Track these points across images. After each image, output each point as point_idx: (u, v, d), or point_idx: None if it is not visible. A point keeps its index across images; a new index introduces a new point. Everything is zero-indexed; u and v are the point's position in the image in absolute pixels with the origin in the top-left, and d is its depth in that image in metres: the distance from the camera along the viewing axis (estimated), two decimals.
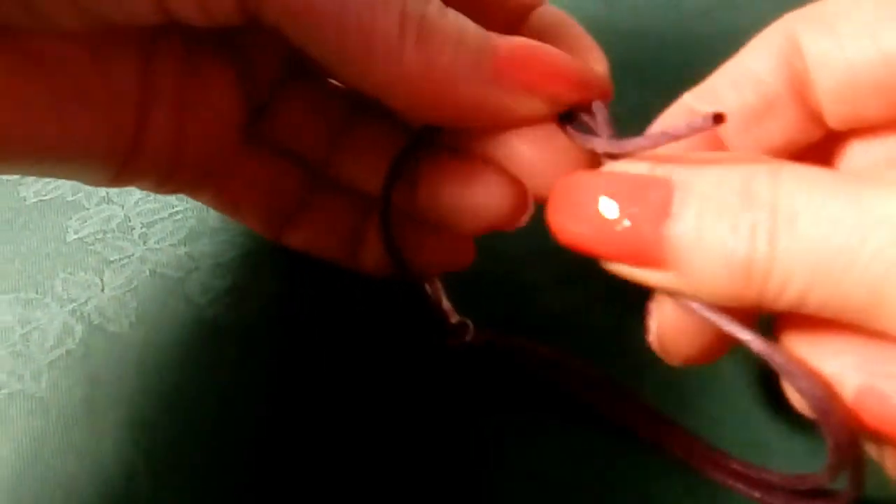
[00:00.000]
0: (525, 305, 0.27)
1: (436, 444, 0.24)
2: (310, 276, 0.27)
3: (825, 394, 0.17)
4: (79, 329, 0.26)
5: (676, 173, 0.17)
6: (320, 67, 0.20)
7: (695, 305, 0.18)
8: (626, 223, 0.17)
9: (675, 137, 0.17)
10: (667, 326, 0.20)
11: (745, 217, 0.16)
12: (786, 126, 0.20)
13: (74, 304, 0.27)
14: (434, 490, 0.23)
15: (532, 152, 0.21)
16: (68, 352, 0.26)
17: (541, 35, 0.22)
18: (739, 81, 0.20)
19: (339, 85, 0.25)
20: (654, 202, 0.17)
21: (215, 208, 0.26)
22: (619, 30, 0.33)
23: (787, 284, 0.16)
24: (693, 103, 0.20)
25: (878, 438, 0.17)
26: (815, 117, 0.20)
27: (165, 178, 0.23)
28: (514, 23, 0.23)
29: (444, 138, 0.23)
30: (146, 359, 0.26)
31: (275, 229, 0.26)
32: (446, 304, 0.24)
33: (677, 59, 0.32)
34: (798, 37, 0.19)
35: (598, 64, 0.23)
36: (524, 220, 0.23)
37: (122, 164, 0.22)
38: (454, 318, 0.24)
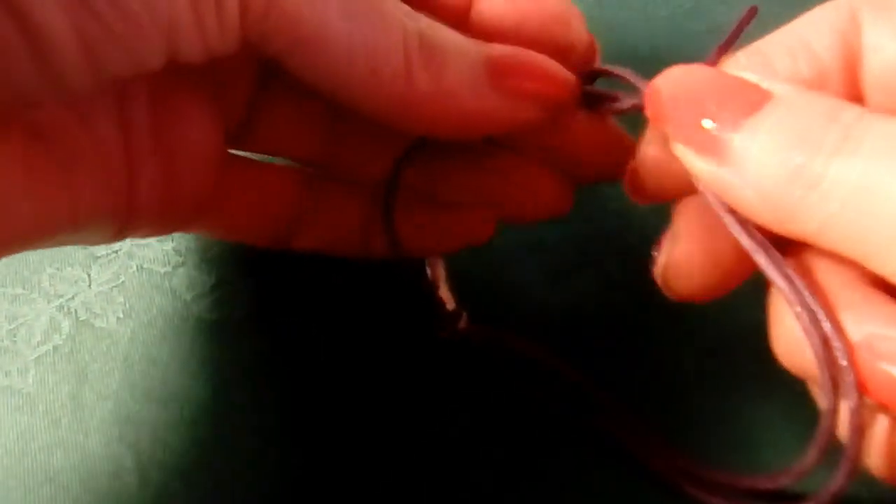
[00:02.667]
0: (515, 300, 0.27)
1: (424, 435, 0.24)
2: (296, 271, 0.27)
3: (834, 334, 0.17)
4: (66, 324, 0.26)
5: (779, 88, 0.18)
6: (319, 93, 0.20)
7: (726, 217, 0.18)
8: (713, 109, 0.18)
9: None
10: (678, 256, 0.20)
11: (816, 134, 0.16)
12: None
13: (61, 300, 0.27)
14: (416, 483, 0.23)
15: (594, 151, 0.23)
16: (55, 347, 0.26)
17: (500, 18, 0.22)
18: (795, 50, 0.19)
19: None
20: (748, 100, 0.17)
21: (218, 237, 0.26)
22: (610, 24, 0.33)
23: (821, 206, 0.16)
24: (746, 65, 0.20)
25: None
26: (857, 101, 0.19)
27: (163, 221, 0.23)
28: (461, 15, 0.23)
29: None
30: (133, 354, 0.26)
31: (282, 239, 0.25)
32: (444, 291, 0.24)
33: (668, 54, 0.32)
34: (861, 18, 0.19)
35: (575, 21, 0.23)
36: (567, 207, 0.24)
37: (123, 221, 0.21)
38: (451, 306, 0.24)
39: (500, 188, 0.24)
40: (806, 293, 0.17)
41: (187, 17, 0.17)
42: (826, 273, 0.18)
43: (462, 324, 0.24)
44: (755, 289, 0.25)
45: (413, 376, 0.25)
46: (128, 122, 0.21)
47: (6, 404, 0.25)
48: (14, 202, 0.18)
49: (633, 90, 0.21)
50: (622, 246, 0.27)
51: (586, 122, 0.23)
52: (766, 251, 0.18)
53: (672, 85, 0.19)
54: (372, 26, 0.19)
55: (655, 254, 0.21)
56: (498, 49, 0.21)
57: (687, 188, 0.19)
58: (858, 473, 0.18)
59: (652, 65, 0.32)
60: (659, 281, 0.21)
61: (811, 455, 0.18)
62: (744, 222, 0.18)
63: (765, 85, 0.18)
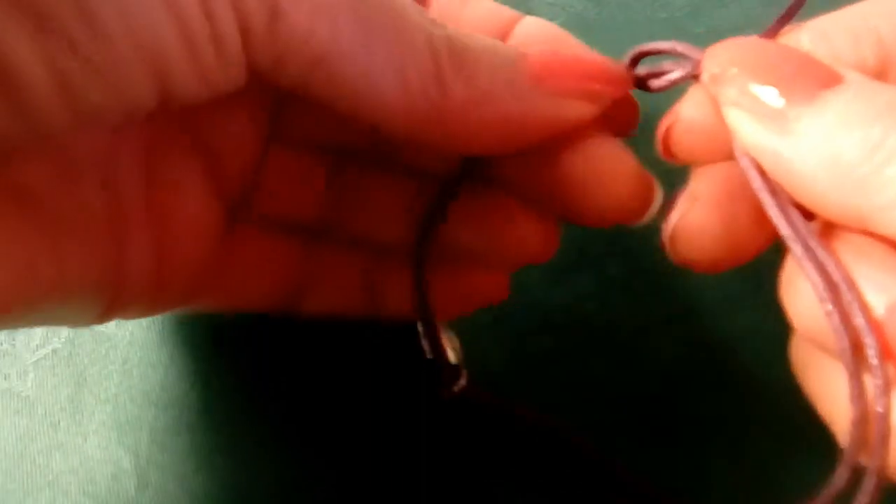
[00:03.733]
0: (515, 300, 0.27)
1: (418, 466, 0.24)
2: None
3: (856, 305, 0.17)
4: (65, 328, 0.26)
5: (849, 74, 0.17)
6: (349, 119, 0.18)
7: (758, 184, 0.18)
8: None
9: None
10: (692, 218, 0.19)
11: (875, 130, 0.16)
12: None
13: None
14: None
15: (592, 165, 0.20)
16: (54, 351, 0.26)
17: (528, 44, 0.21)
18: (860, 35, 0.19)
19: (323, 140, 0.23)
20: (820, 77, 0.17)
21: (218, 310, 0.24)
22: (608, 27, 0.33)
23: (871, 197, 0.16)
24: (809, 46, 0.19)
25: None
26: None
27: (155, 297, 0.21)
28: (501, 37, 0.22)
29: (488, 170, 0.21)
30: (132, 357, 0.26)
31: (286, 306, 0.23)
32: (446, 348, 0.23)
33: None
34: None
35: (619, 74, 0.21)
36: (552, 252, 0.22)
37: (112, 296, 0.20)
38: (453, 361, 0.23)
39: (492, 238, 0.22)
40: (830, 263, 0.17)
41: (176, 45, 0.15)
42: (855, 255, 0.17)
43: (462, 382, 0.22)
44: (754, 290, 0.26)
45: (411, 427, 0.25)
46: (118, 186, 0.19)
47: (5, 407, 0.25)
48: None
49: (684, 62, 0.20)
50: (622, 247, 0.27)
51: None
52: (794, 221, 0.18)
53: (738, 51, 0.18)
54: (394, 36, 0.17)
55: (667, 214, 0.20)
56: (535, 47, 0.19)
57: (720, 155, 0.19)
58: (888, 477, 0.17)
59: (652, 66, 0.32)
60: (666, 242, 0.20)
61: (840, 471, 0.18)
62: (777, 193, 0.18)
63: (836, 68, 0.18)
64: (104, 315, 0.20)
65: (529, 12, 0.22)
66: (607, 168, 0.20)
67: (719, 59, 0.18)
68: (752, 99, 0.18)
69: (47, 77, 0.14)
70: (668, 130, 0.20)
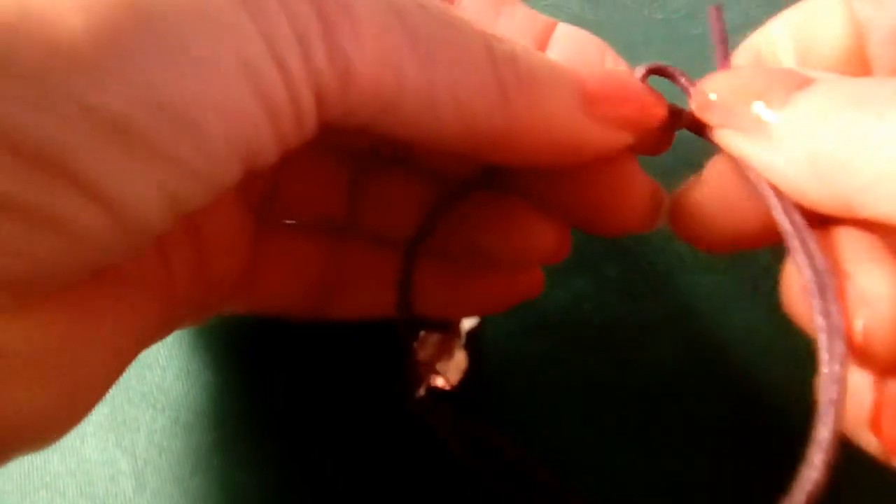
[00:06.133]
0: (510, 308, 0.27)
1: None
2: None
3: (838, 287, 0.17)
4: None
5: (819, 74, 0.18)
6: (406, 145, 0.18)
7: (756, 178, 0.19)
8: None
9: None
10: (699, 194, 0.20)
11: (865, 96, 0.17)
12: None
13: None
14: None
15: (611, 183, 0.20)
16: None
17: (566, 55, 0.21)
18: (804, 46, 0.20)
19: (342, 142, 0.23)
20: (793, 81, 0.18)
21: (250, 313, 0.24)
22: (605, 29, 0.33)
23: (871, 162, 0.16)
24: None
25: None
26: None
27: (199, 310, 0.21)
28: (539, 47, 0.22)
29: (506, 178, 0.21)
30: None
31: (317, 309, 0.23)
32: (448, 365, 0.23)
33: (665, 56, 0.32)
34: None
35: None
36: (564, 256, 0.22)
37: (168, 320, 0.20)
38: (436, 382, 0.22)
39: (505, 240, 0.22)
40: (818, 257, 0.17)
41: (265, 128, 0.15)
42: (849, 248, 0.18)
43: (421, 393, 0.21)
44: (752, 292, 0.26)
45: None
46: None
47: None
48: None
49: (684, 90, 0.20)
50: (619, 248, 0.27)
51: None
52: (792, 216, 0.18)
53: (715, 81, 0.19)
54: (456, 62, 0.16)
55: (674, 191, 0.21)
56: (588, 71, 0.19)
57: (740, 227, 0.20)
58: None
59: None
60: (668, 215, 0.20)
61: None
62: (779, 194, 0.18)
63: (806, 72, 0.18)
64: (157, 339, 0.20)
65: None
66: (625, 187, 0.20)
67: (700, 92, 0.19)
68: (734, 116, 0.19)
69: (158, 202, 0.14)
70: (679, 213, 0.20)
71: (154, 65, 0.13)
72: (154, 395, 0.25)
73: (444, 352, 0.23)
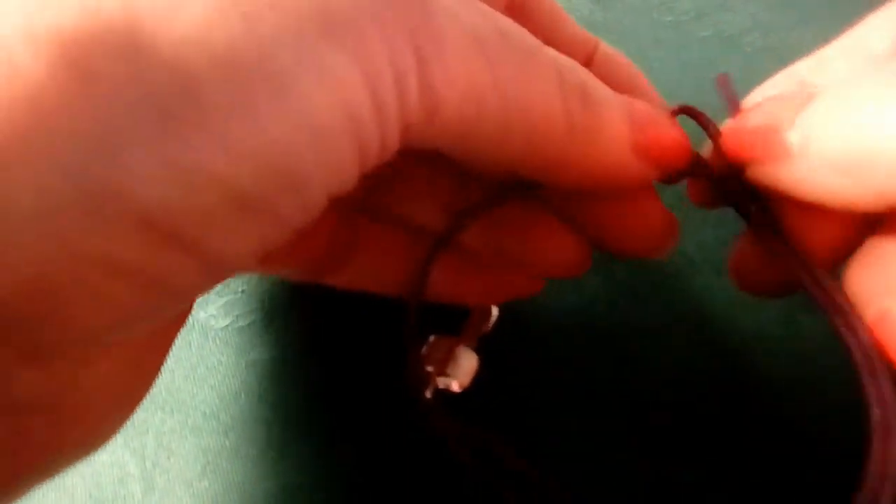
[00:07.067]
0: (523, 307, 0.27)
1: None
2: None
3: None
4: None
5: (821, 87, 0.18)
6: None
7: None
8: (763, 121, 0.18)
9: None
10: (742, 255, 0.21)
11: (861, 111, 0.16)
12: None
13: None
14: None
15: (630, 212, 0.21)
16: None
17: (606, 78, 0.22)
18: (852, 53, 0.20)
19: None
20: (799, 100, 0.18)
21: (251, 270, 0.24)
22: (614, 31, 0.33)
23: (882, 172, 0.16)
24: (805, 73, 0.21)
25: None
26: None
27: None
28: (586, 61, 0.22)
29: (537, 191, 0.21)
30: None
31: (315, 274, 0.23)
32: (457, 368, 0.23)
33: (674, 58, 0.32)
34: None
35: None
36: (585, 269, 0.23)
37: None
38: (439, 385, 0.22)
39: (532, 250, 0.23)
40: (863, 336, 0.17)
41: (354, 164, 0.15)
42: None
43: (427, 396, 0.21)
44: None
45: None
46: None
47: None
48: None
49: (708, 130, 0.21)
50: None
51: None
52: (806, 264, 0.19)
53: (729, 135, 0.20)
54: (530, 94, 0.17)
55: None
56: (638, 103, 0.19)
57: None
58: None
59: (658, 69, 0.32)
60: (729, 270, 0.21)
61: None
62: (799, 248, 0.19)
63: (807, 89, 0.18)
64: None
65: None
66: (642, 216, 0.21)
67: (721, 148, 0.20)
68: (758, 151, 0.19)
69: (253, 253, 0.14)
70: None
71: (274, 127, 0.13)
72: (163, 398, 0.25)
73: (454, 356, 0.23)
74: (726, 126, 0.20)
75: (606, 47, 0.23)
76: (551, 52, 0.18)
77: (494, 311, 0.25)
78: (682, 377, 0.25)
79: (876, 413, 0.17)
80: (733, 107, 0.21)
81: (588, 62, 0.22)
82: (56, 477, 0.23)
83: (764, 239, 0.20)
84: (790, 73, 0.22)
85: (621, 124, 0.19)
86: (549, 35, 0.21)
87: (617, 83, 0.22)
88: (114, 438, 0.24)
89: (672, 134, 0.20)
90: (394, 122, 0.15)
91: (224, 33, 0.13)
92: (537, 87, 0.17)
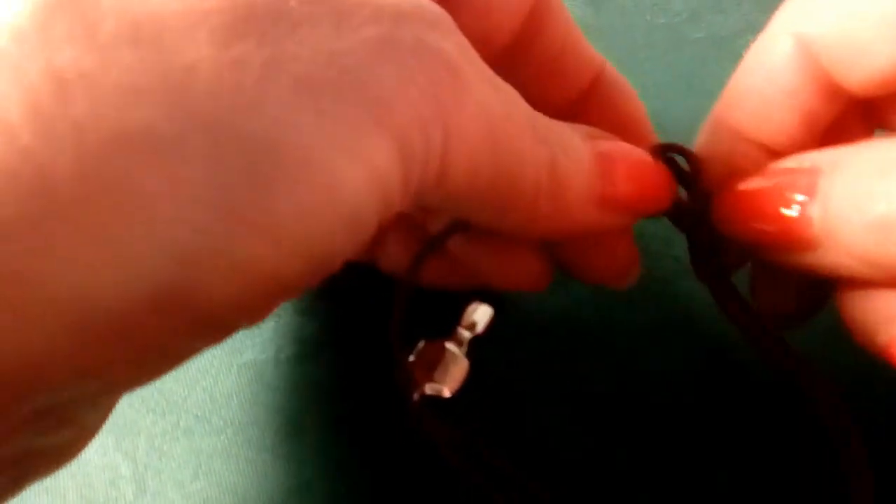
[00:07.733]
0: (512, 307, 0.27)
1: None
2: None
3: None
4: None
5: (819, 160, 0.18)
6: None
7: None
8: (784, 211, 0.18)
9: None
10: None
11: (882, 184, 0.16)
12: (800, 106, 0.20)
13: None
14: None
15: (596, 248, 0.22)
16: None
17: (604, 105, 0.23)
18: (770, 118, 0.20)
19: None
20: (803, 186, 0.18)
21: None
22: (607, 33, 0.33)
23: None
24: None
25: None
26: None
27: None
28: (592, 82, 0.23)
29: None
30: None
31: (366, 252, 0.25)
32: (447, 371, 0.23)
33: (667, 60, 0.32)
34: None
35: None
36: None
37: None
38: (429, 391, 0.22)
39: (496, 263, 0.24)
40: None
41: (370, 236, 0.16)
42: None
43: (415, 398, 0.21)
44: (749, 295, 0.25)
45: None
46: None
47: None
48: None
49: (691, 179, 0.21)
50: None
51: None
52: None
53: (731, 196, 0.20)
54: (514, 165, 0.18)
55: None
56: (615, 154, 0.20)
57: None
58: None
59: (651, 71, 0.32)
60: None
61: None
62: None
63: (806, 162, 0.18)
64: None
65: None
66: (607, 257, 0.22)
67: (721, 210, 0.20)
68: (780, 243, 0.18)
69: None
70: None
71: (320, 219, 0.14)
72: (154, 399, 0.25)
73: (444, 361, 0.23)
74: (737, 187, 0.20)
75: (613, 71, 0.23)
76: (528, 111, 0.19)
77: (488, 312, 0.25)
78: (672, 379, 0.25)
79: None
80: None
81: (592, 84, 0.23)
82: (47, 479, 0.24)
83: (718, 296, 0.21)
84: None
85: (583, 186, 0.20)
86: (559, 51, 0.22)
87: (614, 112, 0.22)
88: (106, 440, 0.24)
89: (647, 182, 0.20)
90: (412, 196, 0.16)
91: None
92: (518, 159, 0.18)
